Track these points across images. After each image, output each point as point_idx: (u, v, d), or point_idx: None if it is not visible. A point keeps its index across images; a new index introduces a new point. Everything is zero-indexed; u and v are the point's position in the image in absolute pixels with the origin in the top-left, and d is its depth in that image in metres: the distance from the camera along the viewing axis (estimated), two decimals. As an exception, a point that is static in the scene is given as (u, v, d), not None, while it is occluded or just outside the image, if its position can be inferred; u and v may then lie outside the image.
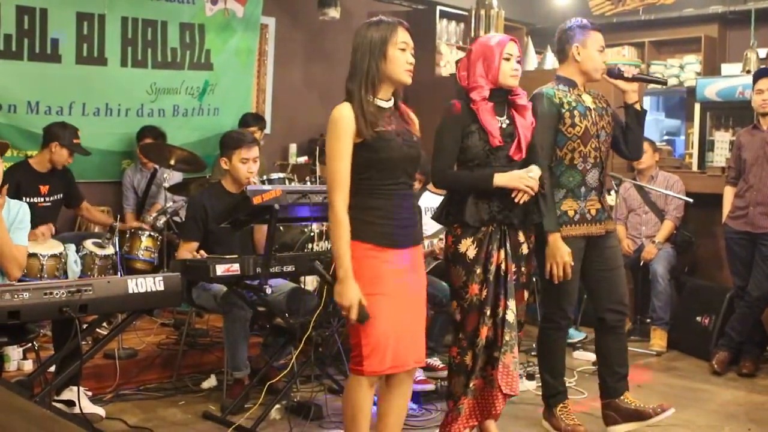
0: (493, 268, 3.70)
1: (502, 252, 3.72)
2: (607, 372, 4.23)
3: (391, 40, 3.17)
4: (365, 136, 3.12)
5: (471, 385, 3.75)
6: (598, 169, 4.07)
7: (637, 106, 4.14)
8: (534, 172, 3.68)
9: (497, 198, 3.69)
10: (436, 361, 4.89)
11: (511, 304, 3.73)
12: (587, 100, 4.08)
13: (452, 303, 3.81)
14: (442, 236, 4.38)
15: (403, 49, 3.19)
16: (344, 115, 3.14)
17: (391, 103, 3.26)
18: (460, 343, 3.76)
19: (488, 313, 3.70)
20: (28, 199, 5.27)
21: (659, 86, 4.79)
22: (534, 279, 5.64)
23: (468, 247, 3.69)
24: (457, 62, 7.14)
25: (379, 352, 3.17)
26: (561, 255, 3.90)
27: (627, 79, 4.08)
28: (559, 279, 3.93)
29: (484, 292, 3.70)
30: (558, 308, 4.12)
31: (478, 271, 3.69)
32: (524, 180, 3.66)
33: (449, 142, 3.73)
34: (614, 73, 4.09)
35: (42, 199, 5.48)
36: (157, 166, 6.15)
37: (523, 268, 3.81)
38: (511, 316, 3.73)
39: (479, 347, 3.72)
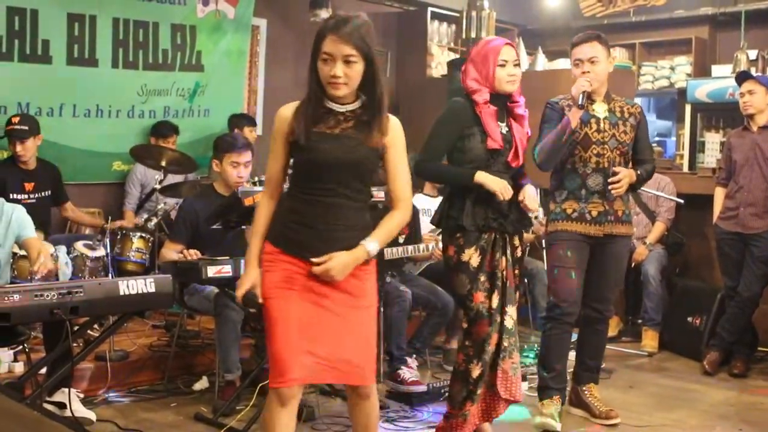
0: (500, 275, 3.72)
1: (504, 259, 3.75)
2: (578, 360, 4.49)
3: (319, 49, 2.86)
4: (297, 137, 2.93)
5: (478, 392, 3.76)
6: (601, 174, 4.16)
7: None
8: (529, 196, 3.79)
9: (492, 205, 3.70)
10: (406, 373, 4.72)
11: (511, 310, 3.76)
12: (599, 109, 4.22)
13: (461, 311, 3.85)
14: (438, 239, 4.39)
15: (326, 60, 2.85)
16: (280, 114, 3.00)
17: (348, 108, 2.94)
18: (467, 350, 3.75)
19: (497, 320, 3.72)
20: (13, 196, 5.26)
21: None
22: (525, 280, 5.70)
23: (471, 255, 3.69)
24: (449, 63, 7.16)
25: (280, 363, 2.87)
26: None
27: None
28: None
29: (494, 300, 3.70)
30: (555, 304, 4.25)
31: (482, 279, 3.70)
32: (503, 189, 3.66)
33: (442, 136, 3.78)
34: None
35: (27, 196, 5.41)
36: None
37: (516, 271, 3.84)
38: (509, 323, 3.76)
39: (489, 355, 3.73)
